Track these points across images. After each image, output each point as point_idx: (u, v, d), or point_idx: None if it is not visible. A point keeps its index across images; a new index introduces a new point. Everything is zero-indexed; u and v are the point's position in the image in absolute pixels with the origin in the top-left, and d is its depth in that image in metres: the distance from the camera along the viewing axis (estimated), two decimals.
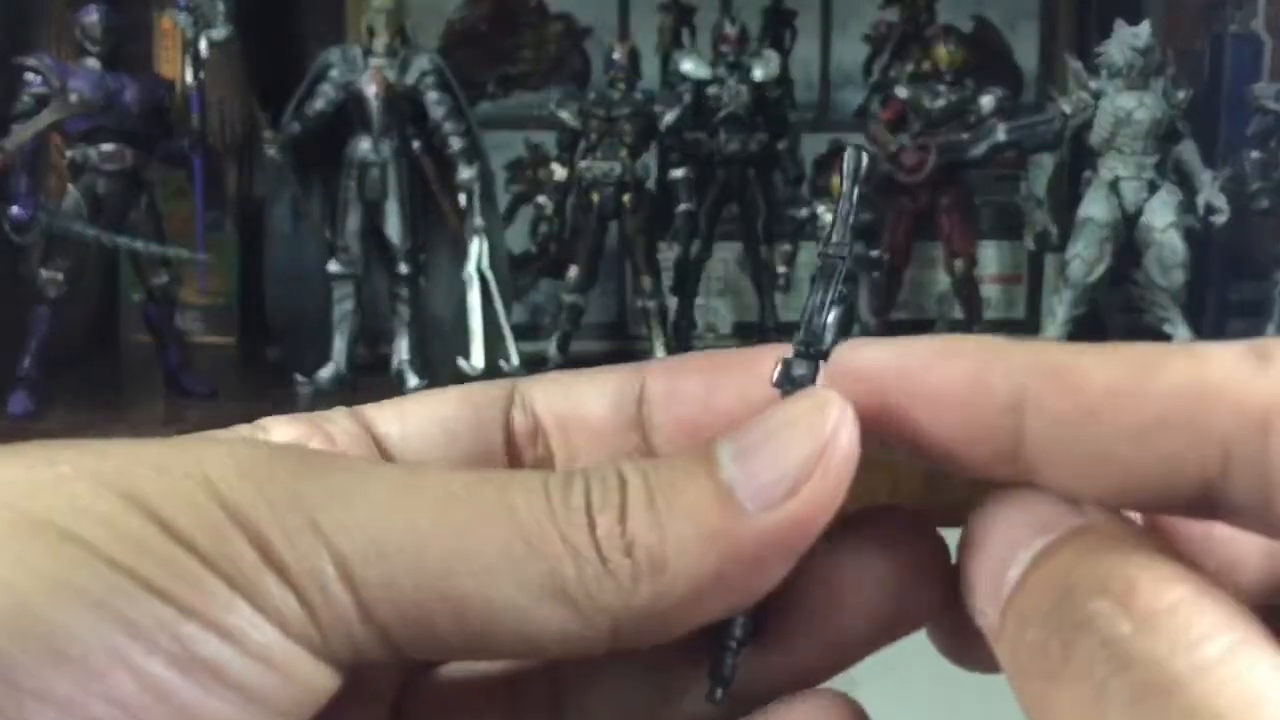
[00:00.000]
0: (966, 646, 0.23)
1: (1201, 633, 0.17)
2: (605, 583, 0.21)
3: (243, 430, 0.25)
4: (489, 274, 1.10)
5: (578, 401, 0.26)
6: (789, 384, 0.23)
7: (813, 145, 1.29)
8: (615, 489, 0.21)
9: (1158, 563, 0.18)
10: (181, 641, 0.19)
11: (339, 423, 0.26)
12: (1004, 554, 0.20)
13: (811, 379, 0.23)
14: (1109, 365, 0.19)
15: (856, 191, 0.24)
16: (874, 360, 0.22)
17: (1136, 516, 0.22)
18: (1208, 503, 0.18)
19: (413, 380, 1.10)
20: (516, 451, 0.26)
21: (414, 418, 0.26)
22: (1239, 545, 0.23)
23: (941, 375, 0.21)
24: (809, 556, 0.22)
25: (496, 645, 0.21)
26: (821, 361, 0.23)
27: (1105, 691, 0.17)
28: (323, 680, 0.21)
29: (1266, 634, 0.17)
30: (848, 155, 0.24)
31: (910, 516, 0.24)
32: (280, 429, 0.25)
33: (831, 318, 0.23)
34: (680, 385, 0.25)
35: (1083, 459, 0.19)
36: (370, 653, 0.21)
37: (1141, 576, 0.18)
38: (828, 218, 1.14)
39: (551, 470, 0.24)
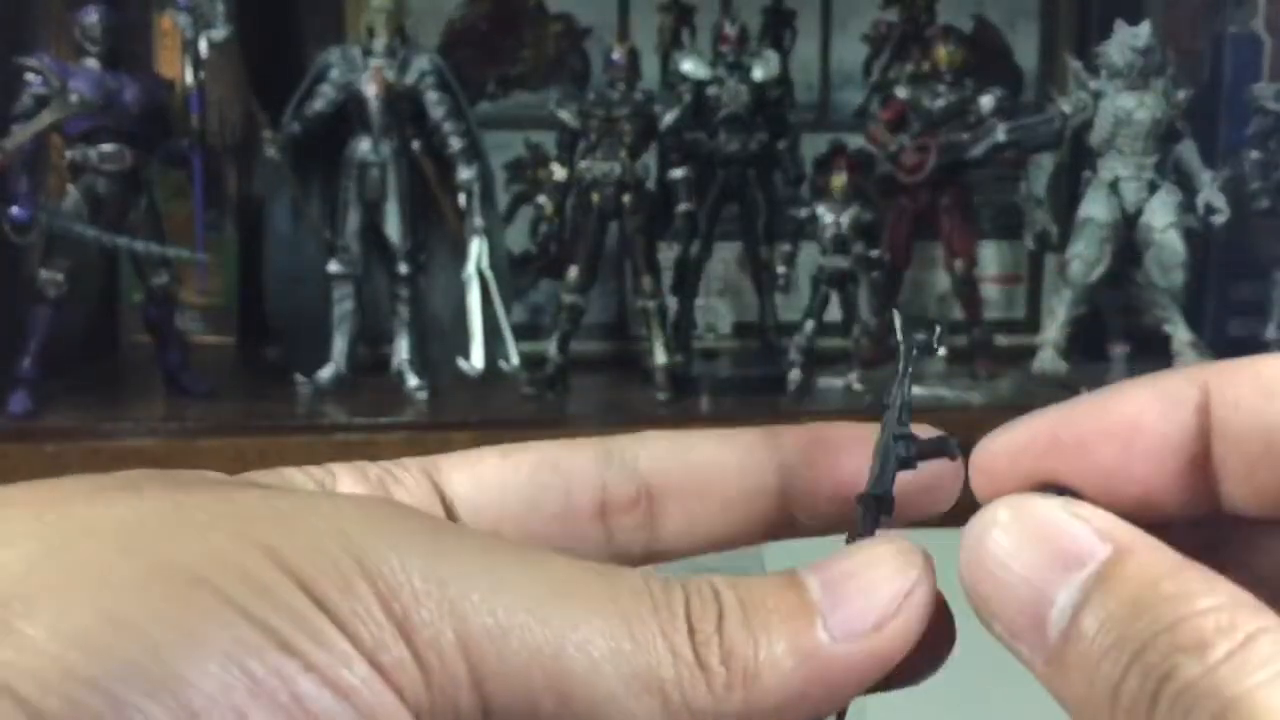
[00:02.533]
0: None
1: (1265, 656, 0.19)
2: (699, 687, 0.22)
3: (315, 473, 0.25)
4: (489, 274, 1.10)
5: (699, 466, 0.27)
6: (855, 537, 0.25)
7: (813, 145, 1.29)
8: (711, 600, 0.23)
9: (1212, 594, 0.20)
10: (298, 698, 0.19)
11: (407, 480, 0.26)
12: (1034, 588, 0.22)
13: (872, 531, 0.25)
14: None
15: (912, 369, 0.26)
16: (1017, 438, 0.23)
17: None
18: None
19: (412, 380, 1.10)
20: (608, 520, 0.27)
21: (491, 482, 0.26)
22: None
23: (1127, 408, 0.22)
24: None
25: None
26: (885, 516, 0.25)
27: None
28: None
29: None
30: (904, 340, 0.25)
31: None
32: (347, 479, 0.26)
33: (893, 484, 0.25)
34: (832, 461, 0.27)
35: (1270, 434, 0.21)
36: None
37: (1208, 622, 0.19)
38: (828, 218, 1.14)
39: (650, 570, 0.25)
